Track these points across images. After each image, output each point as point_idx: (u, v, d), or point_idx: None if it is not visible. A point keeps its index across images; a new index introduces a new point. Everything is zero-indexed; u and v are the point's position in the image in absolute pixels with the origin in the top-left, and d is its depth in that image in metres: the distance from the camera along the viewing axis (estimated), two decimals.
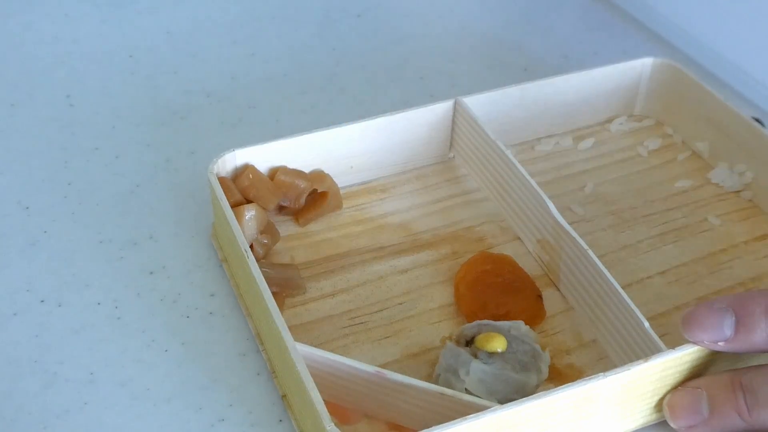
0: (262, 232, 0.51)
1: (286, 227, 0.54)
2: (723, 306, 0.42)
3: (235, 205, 0.50)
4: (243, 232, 0.49)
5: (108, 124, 0.64)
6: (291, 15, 0.76)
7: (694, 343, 0.42)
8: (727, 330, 0.41)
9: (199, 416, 0.45)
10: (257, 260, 0.46)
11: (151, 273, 0.52)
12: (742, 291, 0.52)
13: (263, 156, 0.53)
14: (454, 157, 0.60)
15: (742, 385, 0.42)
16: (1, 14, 0.75)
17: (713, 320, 0.41)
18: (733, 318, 0.41)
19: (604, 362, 0.48)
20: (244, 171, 0.53)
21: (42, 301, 0.51)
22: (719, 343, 0.42)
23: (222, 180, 0.51)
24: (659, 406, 0.44)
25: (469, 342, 0.45)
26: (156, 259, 0.53)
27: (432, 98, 0.66)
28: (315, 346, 0.43)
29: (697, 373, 0.44)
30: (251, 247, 0.50)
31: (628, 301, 0.45)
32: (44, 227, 0.55)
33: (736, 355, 0.44)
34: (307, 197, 0.54)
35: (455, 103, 0.57)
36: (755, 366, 0.43)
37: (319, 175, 0.55)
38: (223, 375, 0.47)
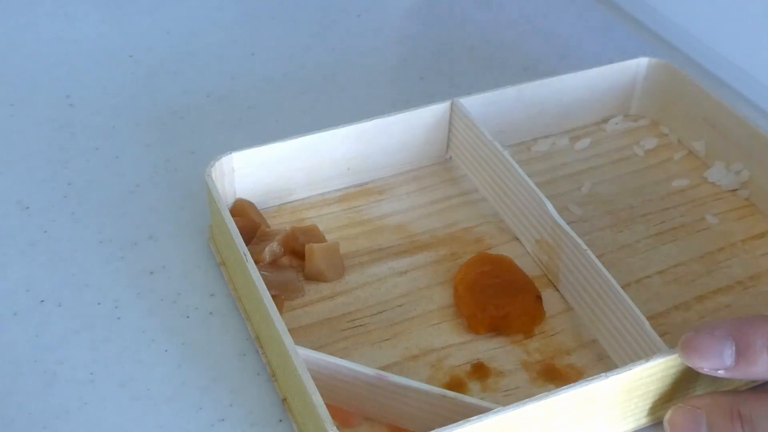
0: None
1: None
2: (723, 334, 0.41)
3: (232, 208, 0.50)
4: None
5: (108, 124, 0.64)
6: (291, 15, 0.76)
7: (694, 369, 0.42)
8: (728, 360, 0.41)
9: (199, 416, 0.45)
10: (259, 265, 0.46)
11: (151, 273, 0.53)
12: (740, 288, 0.52)
13: (261, 158, 0.54)
14: (451, 158, 0.60)
15: (741, 414, 0.42)
16: (1, 14, 0.75)
17: (713, 349, 0.41)
18: (734, 347, 0.41)
19: (605, 362, 0.48)
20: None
21: (42, 301, 0.51)
22: (719, 371, 0.42)
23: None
24: (660, 406, 0.44)
25: None
26: (156, 259, 0.53)
27: (432, 98, 0.66)
28: (314, 349, 0.44)
29: (698, 374, 0.44)
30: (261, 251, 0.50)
31: (628, 300, 0.45)
32: (44, 227, 0.55)
33: None
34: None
35: (452, 104, 0.57)
36: (755, 392, 0.43)
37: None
38: (223, 375, 0.47)
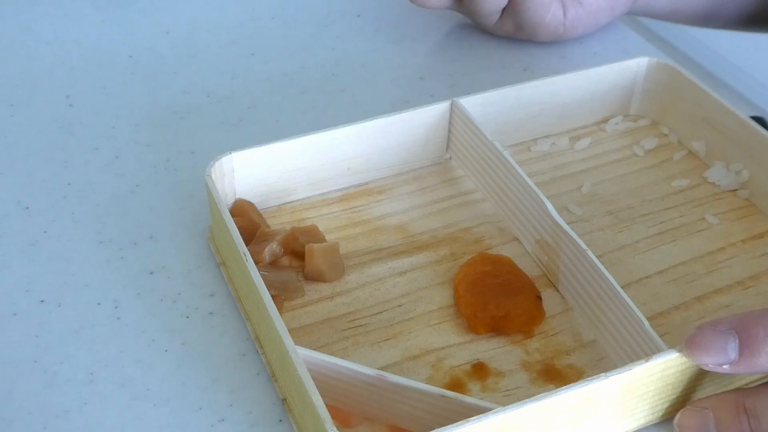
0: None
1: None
2: (726, 328, 0.42)
3: (232, 208, 0.50)
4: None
5: (108, 124, 0.64)
6: (291, 15, 0.76)
7: (699, 366, 0.42)
8: (731, 353, 0.41)
9: (199, 416, 0.45)
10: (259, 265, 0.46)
11: (151, 273, 0.53)
12: (740, 288, 0.52)
13: (261, 158, 0.54)
14: (450, 158, 0.60)
15: (746, 408, 0.42)
16: (1, 14, 0.75)
17: (717, 344, 0.42)
18: (737, 341, 0.41)
19: (605, 362, 0.48)
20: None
21: (42, 301, 0.51)
22: (724, 366, 0.42)
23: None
24: (660, 405, 0.44)
25: None
26: (156, 259, 0.53)
27: (432, 98, 0.66)
28: (314, 349, 0.44)
29: (698, 373, 0.44)
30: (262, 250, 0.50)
31: (628, 300, 0.45)
32: (44, 227, 0.55)
33: None
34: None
35: (452, 104, 0.57)
36: (761, 387, 0.44)
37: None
38: (223, 375, 0.47)
